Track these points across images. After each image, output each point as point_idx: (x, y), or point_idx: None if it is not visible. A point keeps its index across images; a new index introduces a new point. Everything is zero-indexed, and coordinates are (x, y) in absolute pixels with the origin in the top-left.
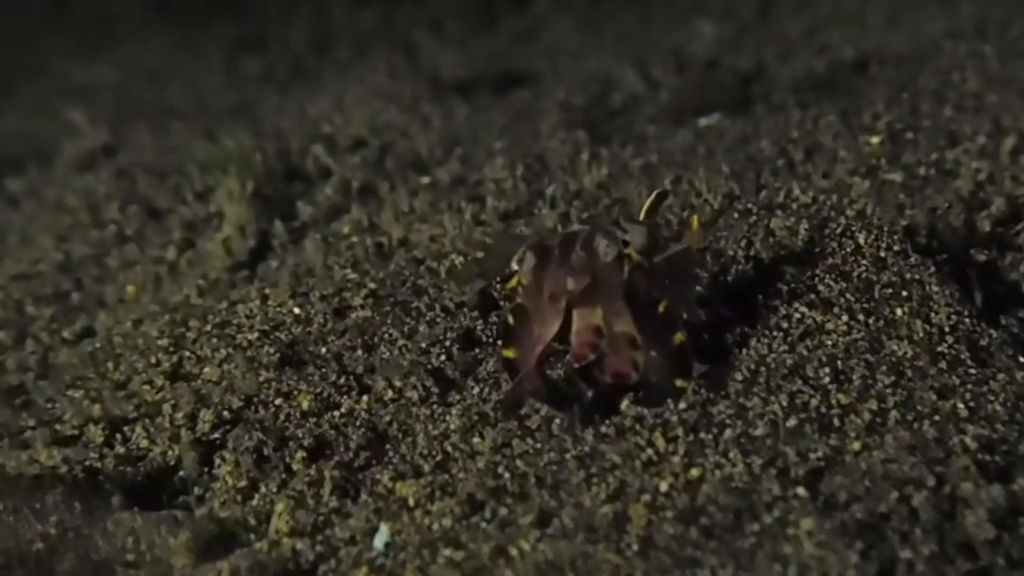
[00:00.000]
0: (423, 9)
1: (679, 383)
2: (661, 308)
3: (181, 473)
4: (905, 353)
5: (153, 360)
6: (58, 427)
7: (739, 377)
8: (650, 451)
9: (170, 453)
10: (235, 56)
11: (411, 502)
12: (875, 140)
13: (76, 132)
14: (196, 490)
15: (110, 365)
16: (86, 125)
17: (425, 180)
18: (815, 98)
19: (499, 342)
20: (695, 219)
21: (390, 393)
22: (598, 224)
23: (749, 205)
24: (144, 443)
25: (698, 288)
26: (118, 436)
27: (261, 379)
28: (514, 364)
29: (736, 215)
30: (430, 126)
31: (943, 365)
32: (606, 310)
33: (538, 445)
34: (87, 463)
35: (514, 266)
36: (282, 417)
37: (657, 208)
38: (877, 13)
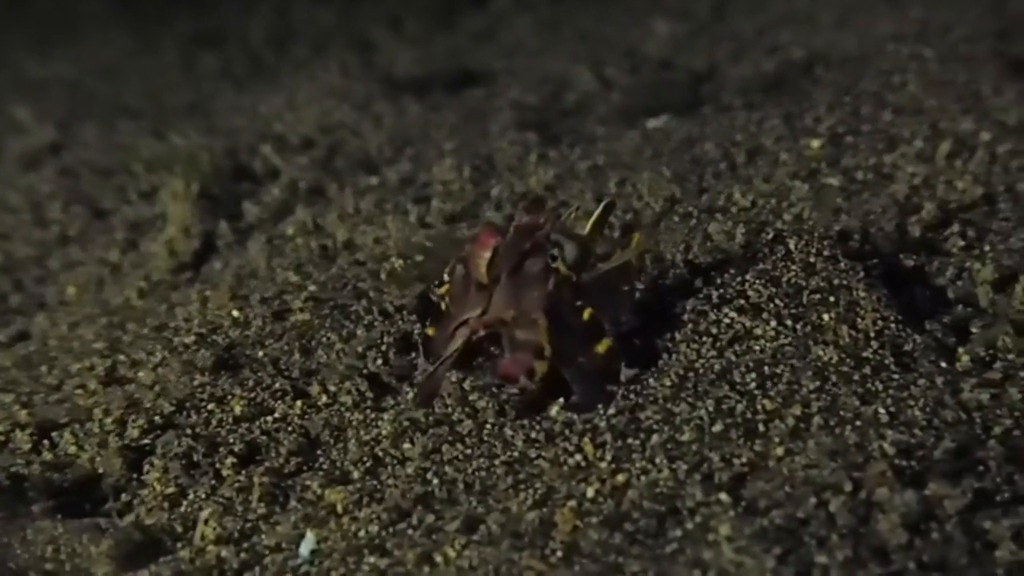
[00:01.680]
0: (383, 6)
1: (608, 388)
2: (586, 315)
3: (108, 480)
4: (831, 358)
5: (87, 364)
6: None
7: (668, 382)
8: (578, 456)
9: (98, 459)
10: (193, 52)
11: (339, 509)
12: (816, 143)
13: (22, 130)
14: (123, 497)
15: (44, 368)
16: (32, 123)
17: (373, 180)
18: (762, 99)
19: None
20: (637, 237)
21: (324, 398)
22: (532, 234)
23: (690, 208)
24: (72, 449)
25: (637, 295)
26: (46, 442)
27: (195, 383)
28: (431, 341)
29: (677, 219)
30: (381, 125)
31: (867, 370)
32: (521, 315)
33: (468, 451)
34: (12, 470)
35: (446, 276)
36: (214, 422)
37: (605, 220)
38: (829, 13)
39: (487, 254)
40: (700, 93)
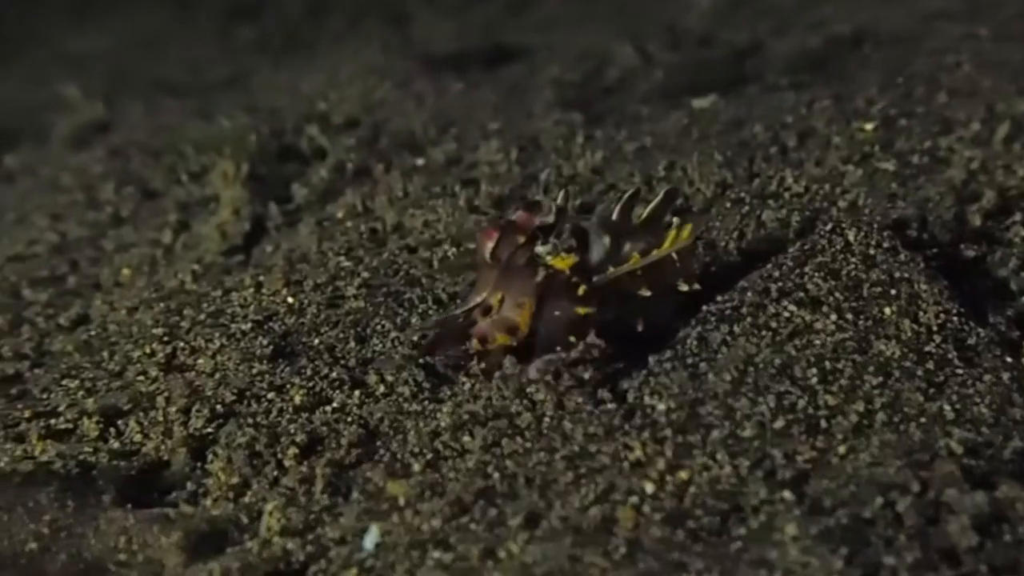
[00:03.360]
0: None
1: (581, 311)
2: (580, 291)
3: (174, 468)
4: (893, 353)
5: (148, 350)
6: (53, 420)
7: (727, 377)
8: (638, 452)
9: (163, 448)
10: (229, 24)
11: (401, 501)
12: (869, 126)
13: (70, 107)
14: (188, 486)
15: (105, 354)
16: (80, 100)
17: (420, 162)
18: (809, 79)
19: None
20: (687, 228)
21: (382, 388)
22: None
23: (742, 194)
24: (138, 437)
25: (686, 288)
26: (112, 430)
27: (254, 371)
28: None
29: (728, 204)
30: (423, 104)
31: (930, 365)
32: (510, 298)
33: (527, 445)
34: (81, 457)
35: None
36: (274, 412)
37: (666, 209)
38: None
39: (490, 244)
40: (744, 71)
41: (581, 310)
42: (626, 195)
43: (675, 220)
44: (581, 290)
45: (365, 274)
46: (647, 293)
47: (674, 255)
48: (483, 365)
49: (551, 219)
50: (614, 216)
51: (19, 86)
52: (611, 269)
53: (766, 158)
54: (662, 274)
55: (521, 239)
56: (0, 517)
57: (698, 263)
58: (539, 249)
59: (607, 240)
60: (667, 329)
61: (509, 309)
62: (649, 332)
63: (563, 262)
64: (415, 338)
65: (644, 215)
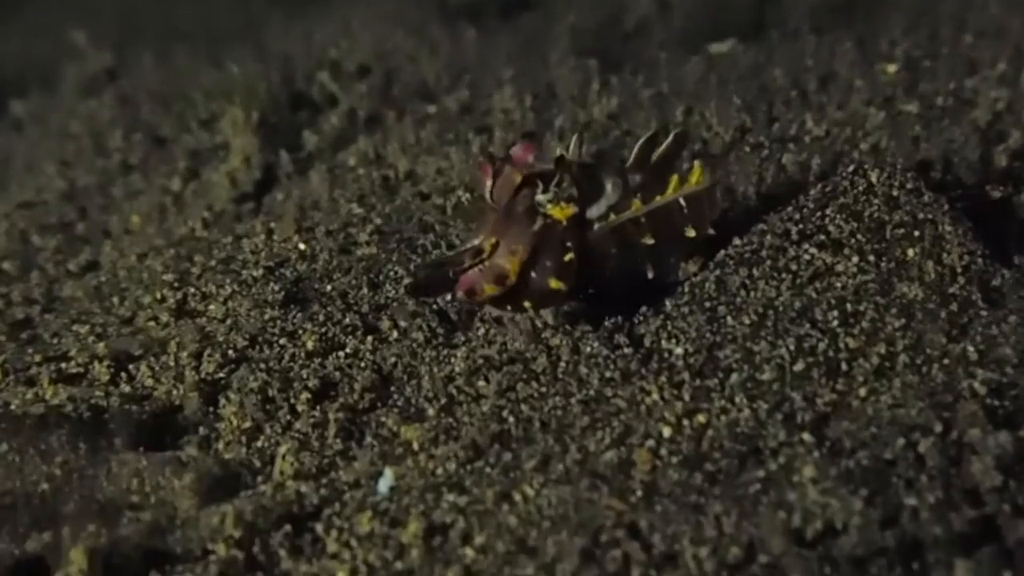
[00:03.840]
0: None
1: (553, 284)
2: (566, 258)
3: (186, 413)
4: (916, 295)
5: (158, 295)
6: (63, 364)
7: (746, 320)
8: (655, 396)
9: (175, 392)
10: None
11: (415, 446)
12: (892, 68)
13: (79, 55)
14: (201, 431)
15: (115, 299)
16: (89, 48)
17: (432, 109)
18: (831, 23)
19: None
20: (695, 174)
21: (395, 334)
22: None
23: (761, 138)
24: (149, 382)
25: (696, 235)
26: (123, 374)
27: (266, 317)
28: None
29: (748, 149)
30: (437, 52)
31: (954, 307)
32: (504, 244)
33: (543, 389)
34: (92, 401)
35: None
36: (287, 357)
37: (677, 153)
38: None
39: (488, 181)
40: (764, 16)
41: (554, 284)
42: (642, 139)
43: (696, 163)
44: (567, 257)
45: (377, 220)
46: (650, 241)
47: (681, 201)
48: (495, 313)
49: (551, 165)
50: (629, 162)
51: (28, 34)
52: (612, 216)
53: (786, 102)
54: (668, 221)
55: (518, 176)
56: (12, 459)
57: (714, 208)
58: (539, 197)
59: (613, 186)
60: (675, 276)
61: (501, 256)
62: (662, 278)
63: (562, 212)
64: (405, 280)
65: (653, 160)
